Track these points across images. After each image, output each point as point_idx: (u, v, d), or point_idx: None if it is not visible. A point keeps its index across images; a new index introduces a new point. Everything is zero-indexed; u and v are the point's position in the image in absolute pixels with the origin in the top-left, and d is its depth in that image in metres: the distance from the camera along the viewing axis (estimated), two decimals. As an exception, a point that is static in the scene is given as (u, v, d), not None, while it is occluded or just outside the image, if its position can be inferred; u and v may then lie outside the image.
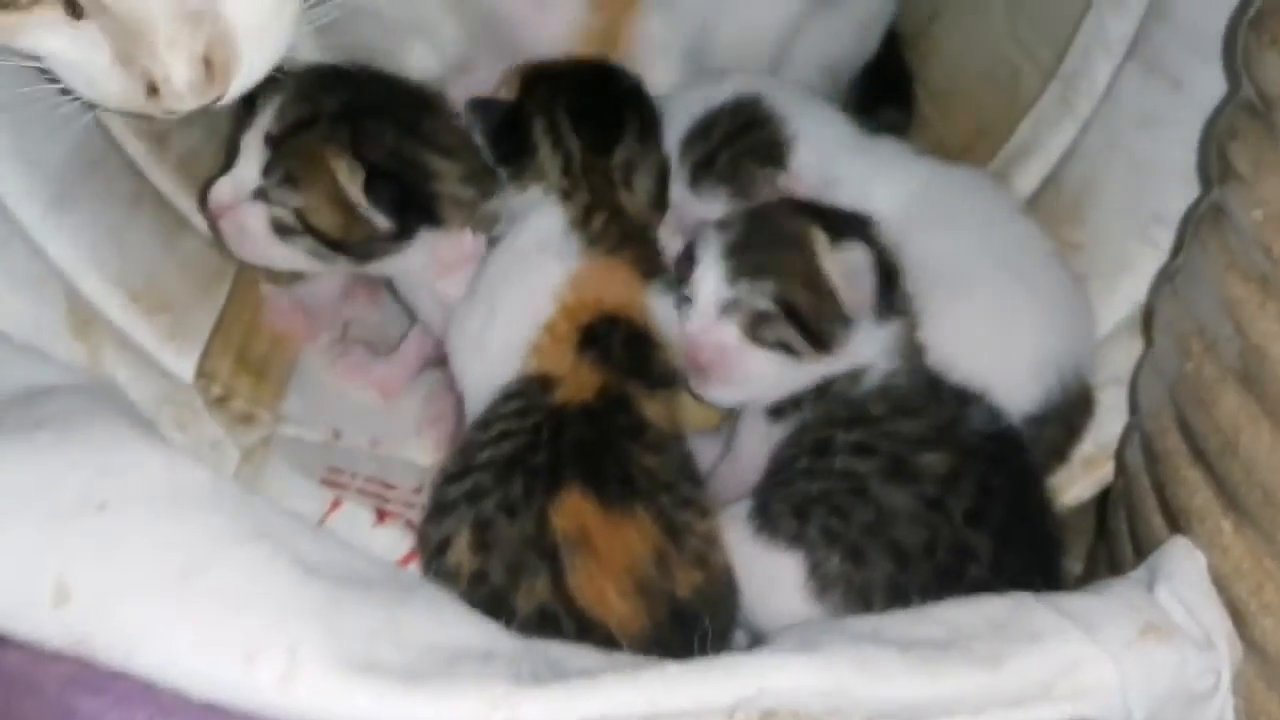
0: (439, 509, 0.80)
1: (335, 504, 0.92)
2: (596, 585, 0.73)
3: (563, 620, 0.72)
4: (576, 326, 0.84)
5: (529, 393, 0.82)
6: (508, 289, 0.88)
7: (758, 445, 0.87)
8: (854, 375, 0.85)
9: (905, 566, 0.75)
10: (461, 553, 0.76)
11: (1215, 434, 0.66)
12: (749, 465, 0.87)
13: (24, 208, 0.86)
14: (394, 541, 0.91)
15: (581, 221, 0.89)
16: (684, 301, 0.87)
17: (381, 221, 0.89)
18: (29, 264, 0.86)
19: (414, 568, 0.84)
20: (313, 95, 0.89)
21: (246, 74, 0.66)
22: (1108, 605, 0.62)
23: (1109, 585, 0.66)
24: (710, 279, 0.85)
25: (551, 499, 0.75)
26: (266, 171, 0.88)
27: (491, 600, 0.73)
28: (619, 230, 0.89)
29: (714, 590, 0.78)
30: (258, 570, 0.57)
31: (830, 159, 1.02)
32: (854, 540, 0.76)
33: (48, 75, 0.67)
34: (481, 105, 0.95)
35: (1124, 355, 0.97)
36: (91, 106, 0.68)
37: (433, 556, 0.79)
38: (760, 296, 0.83)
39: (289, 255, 0.91)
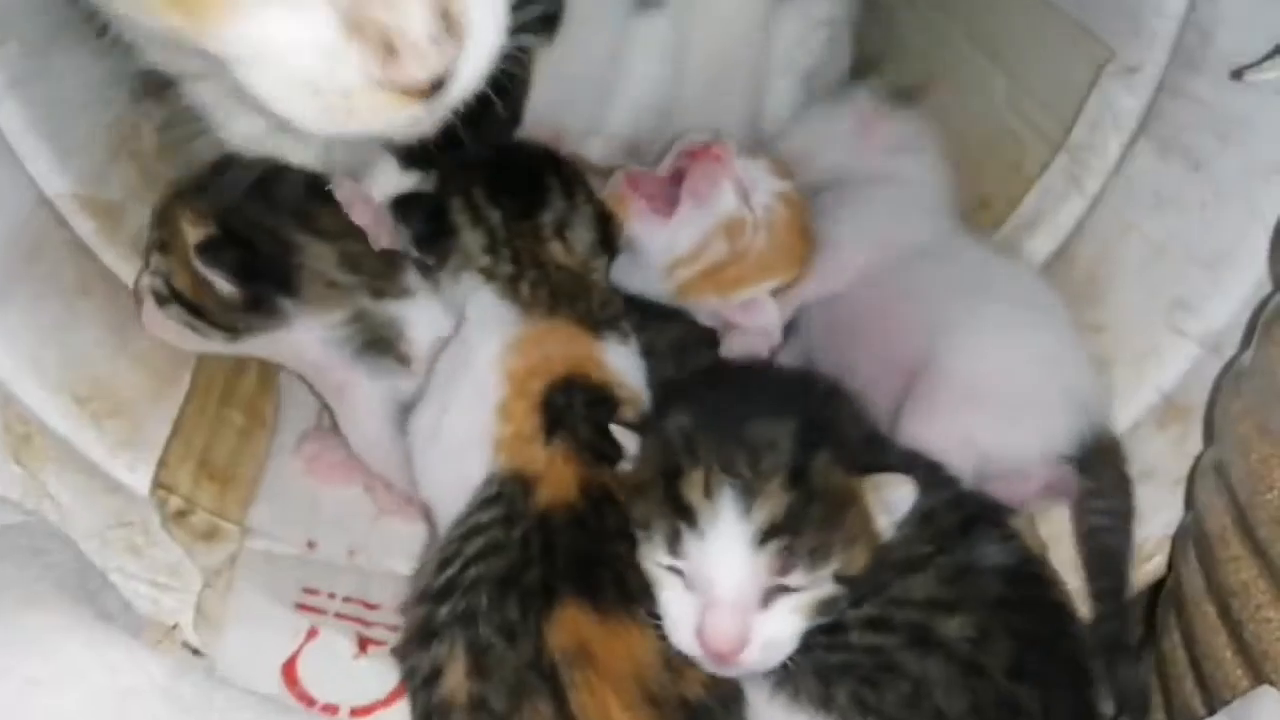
0: (426, 632, 0.73)
1: (312, 633, 0.84)
2: (599, 701, 0.68)
3: None
4: (533, 403, 0.79)
5: (509, 497, 0.76)
6: (455, 378, 0.83)
7: None
8: None
9: None
10: (457, 680, 0.70)
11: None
12: None
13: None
14: (378, 674, 0.82)
15: (510, 290, 0.86)
16: (666, 568, 0.70)
17: (223, 285, 0.86)
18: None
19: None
20: (203, 174, 0.89)
21: (478, 43, 0.58)
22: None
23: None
24: (746, 564, 0.66)
25: (547, 617, 0.70)
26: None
27: None
28: (554, 287, 0.86)
29: (723, 685, 0.72)
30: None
31: None
32: (893, 713, 0.69)
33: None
34: (402, 202, 0.91)
35: (1153, 448, 0.93)
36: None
37: (423, 686, 0.72)
38: (824, 582, 0.68)
39: (174, 329, 0.90)
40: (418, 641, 0.73)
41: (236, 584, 0.84)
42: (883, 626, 0.72)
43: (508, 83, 0.79)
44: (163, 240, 0.89)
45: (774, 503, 0.65)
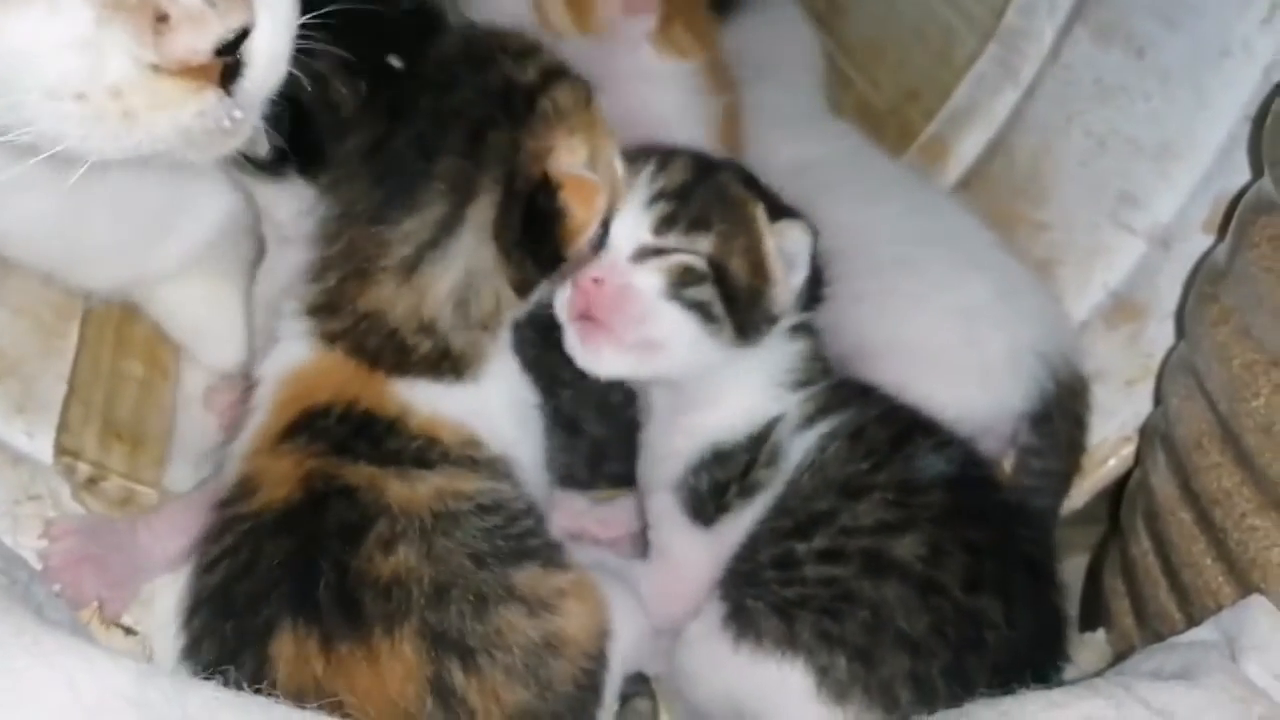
0: (183, 654, 0.65)
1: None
2: None
3: None
4: (285, 422, 0.66)
5: (232, 499, 0.65)
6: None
7: (695, 556, 0.76)
8: (773, 455, 0.75)
9: (920, 654, 0.68)
10: None
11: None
12: (690, 581, 0.76)
13: None
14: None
15: (317, 310, 0.67)
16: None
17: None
18: None
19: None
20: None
21: (273, 13, 0.51)
22: (1210, 701, 0.55)
23: (1193, 665, 0.59)
24: (629, 220, 0.72)
25: (267, 643, 0.59)
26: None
27: None
28: (359, 339, 0.66)
29: (552, 710, 0.62)
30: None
31: None
32: (857, 641, 0.68)
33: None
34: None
35: (1104, 348, 0.92)
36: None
37: None
38: (693, 252, 0.71)
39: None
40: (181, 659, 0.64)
41: (162, 557, 0.77)
42: (836, 558, 0.71)
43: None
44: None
45: (671, 175, 0.72)
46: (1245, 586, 0.64)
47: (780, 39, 1.15)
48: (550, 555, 0.66)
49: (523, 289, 0.68)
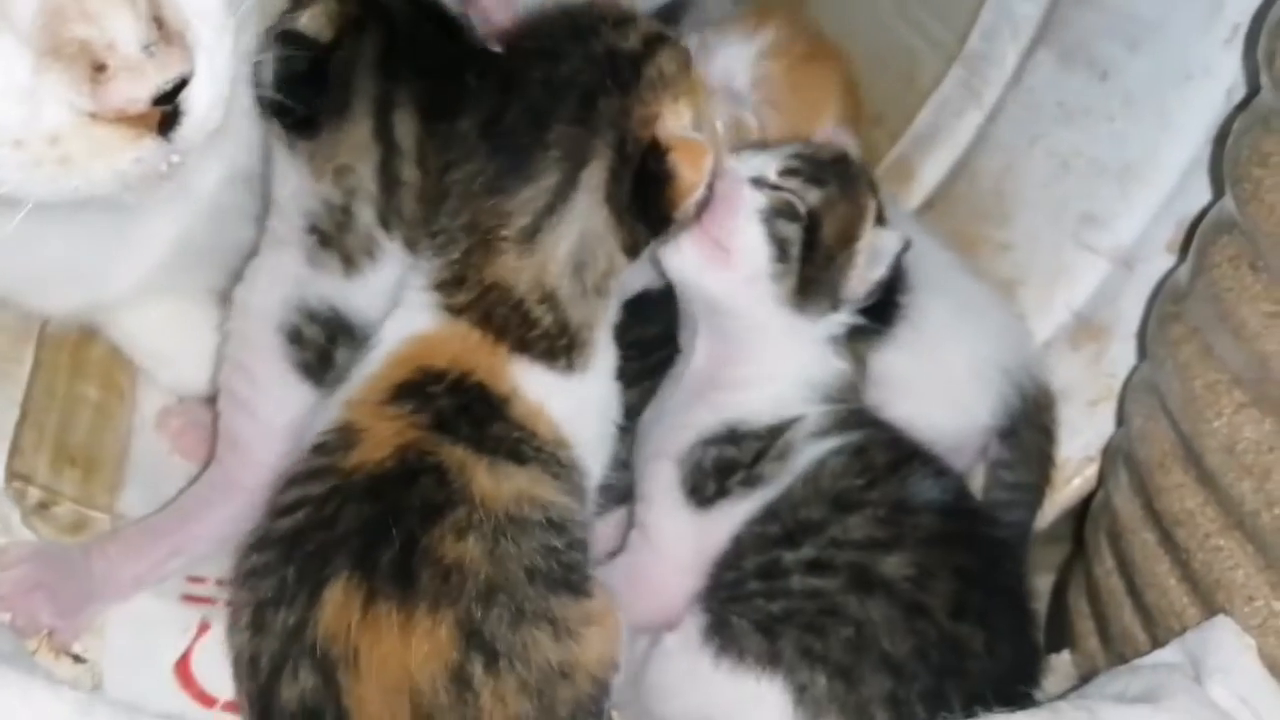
0: (235, 580, 0.69)
1: (203, 628, 0.75)
2: (366, 710, 0.60)
3: None
4: (398, 379, 0.68)
5: (330, 447, 0.67)
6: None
7: (679, 540, 0.76)
8: (783, 452, 0.75)
9: (902, 677, 0.67)
10: (241, 633, 0.66)
11: (1261, 500, 0.59)
12: (668, 567, 0.75)
13: None
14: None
15: (443, 285, 0.70)
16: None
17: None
18: None
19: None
20: None
21: (211, 60, 0.51)
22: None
23: (1157, 687, 0.59)
24: (764, 156, 0.79)
25: (319, 590, 0.62)
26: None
27: (259, 693, 0.63)
28: (488, 310, 0.69)
29: None
30: None
31: None
32: (839, 659, 0.68)
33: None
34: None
35: (1067, 369, 0.92)
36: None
37: (229, 631, 0.68)
38: (799, 196, 0.77)
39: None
40: (231, 586, 0.69)
41: (115, 582, 0.75)
42: (823, 569, 0.71)
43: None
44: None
45: (815, 150, 0.79)
46: (1210, 607, 0.64)
47: None
48: (585, 585, 0.67)
49: (633, 250, 0.71)
